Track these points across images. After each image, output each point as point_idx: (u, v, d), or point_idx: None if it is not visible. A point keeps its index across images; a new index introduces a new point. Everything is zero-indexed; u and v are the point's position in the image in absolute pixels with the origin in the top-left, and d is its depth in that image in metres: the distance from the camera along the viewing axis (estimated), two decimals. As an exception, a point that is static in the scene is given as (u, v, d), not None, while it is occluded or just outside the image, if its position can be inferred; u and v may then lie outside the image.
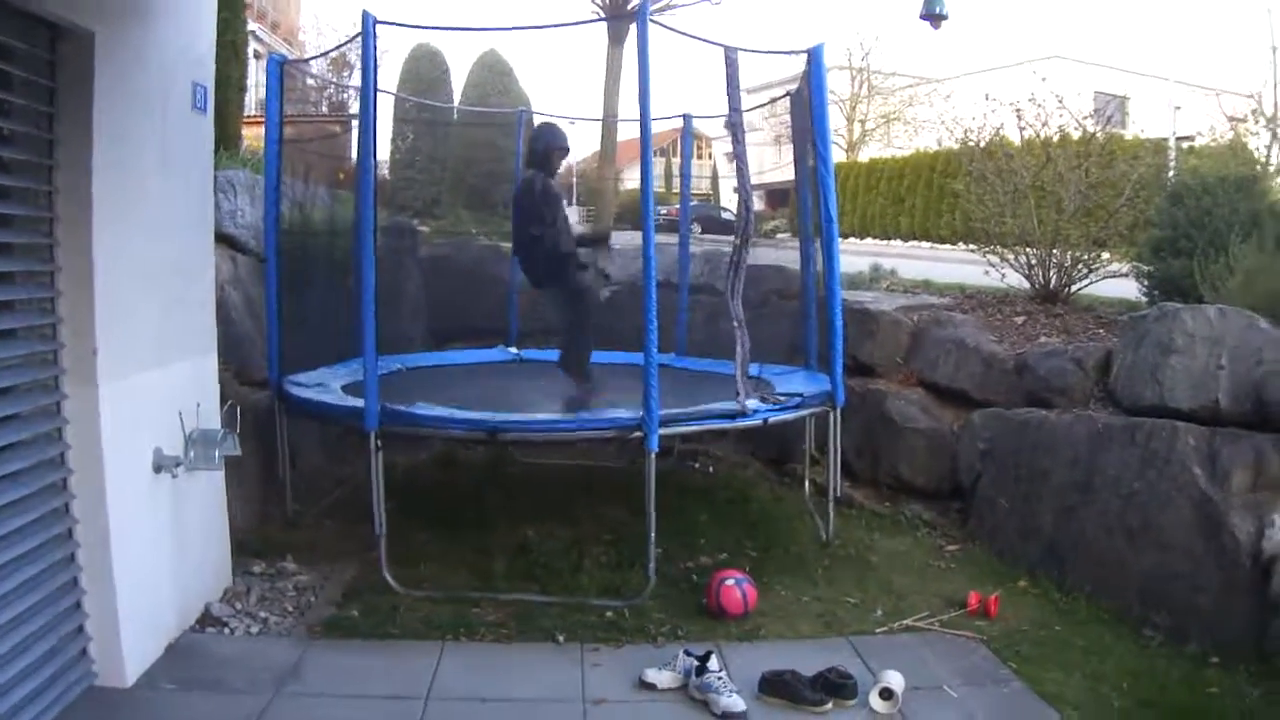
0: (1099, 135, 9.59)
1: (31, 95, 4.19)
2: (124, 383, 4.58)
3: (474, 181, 18.31)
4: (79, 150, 4.34)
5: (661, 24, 6.88)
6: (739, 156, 6.73)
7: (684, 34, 6.63)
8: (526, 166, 8.04)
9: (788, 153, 8.42)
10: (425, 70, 19.62)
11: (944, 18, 7.78)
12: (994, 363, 7.65)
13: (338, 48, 8.91)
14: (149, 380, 4.87)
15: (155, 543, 4.97)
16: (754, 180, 7.12)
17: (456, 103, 19.95)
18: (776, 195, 39.76)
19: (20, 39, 4.04)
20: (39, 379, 4.31)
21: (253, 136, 11.12)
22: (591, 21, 16.58)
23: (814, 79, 6.91)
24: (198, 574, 5.51)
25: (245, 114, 12.32)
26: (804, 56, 6.96)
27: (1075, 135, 9.69)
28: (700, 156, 51.90)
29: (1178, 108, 20.44)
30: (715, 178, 50.03)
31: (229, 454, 5.39)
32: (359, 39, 6.11)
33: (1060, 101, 9.67)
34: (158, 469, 4.93)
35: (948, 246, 20.75)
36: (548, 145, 7.77)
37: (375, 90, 6.19)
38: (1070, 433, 6.58)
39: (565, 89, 67.29)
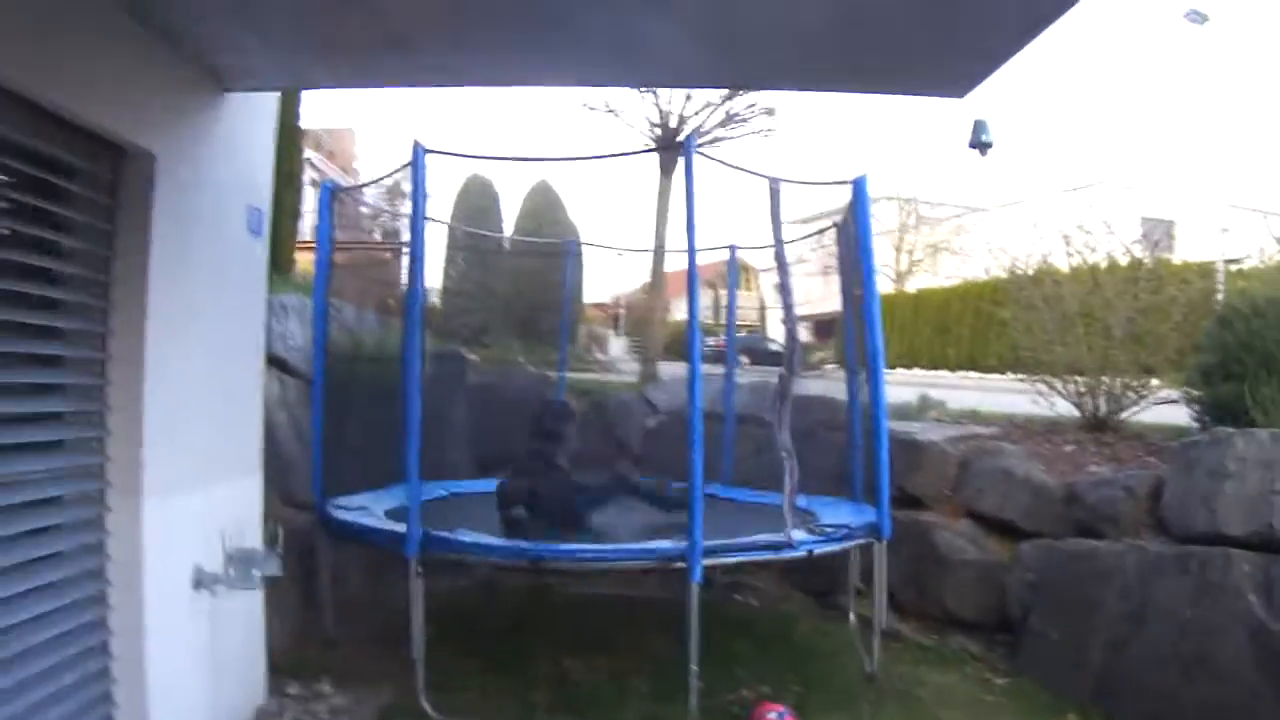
0: (1146, 261, 9.56)
1: (91, 212, 4.28)
2: (168, 499, 4.58)
3: (523, 310, 18.47)
4: (135, 268, 4.41)
5: (708, 156, 6.99)
6: (784, 288, 6.77)
7: (730, 165, 6.71)
8: (533, 438, 8.02)
9: (835, 283, 8.45)
10: (476, 199, 19.94)
11: (989, 145, 7.85)
12: (1043, 493, 7.55)
13: (388, 175, 9.00)
14: (193, 498, 4.87)
15: (191, 660, 4.93)
16: (801, 311, 7.14)
17: (508, 232, 20.22)
18: (824, 326, 39.71)
19: (83, 158, 4.15)
20: (84, 491, 4.32)
21: (306, 261, 11.28)
22: (641, 153, 16.82)
23: (858, 210, 6.99)
24: (232, 692, 5.44)
25: (299, 239, 12.56)
26: (849, 187, 7.04)
27: (1123, 261, 9.67)
28: (748, 288, 52.15)
29: (1225, 230, 20.39)
30: (763, 309, 50.14)
31: (269, 574, 5.37)
32: (409, 168, 6.23)
33: (1107, 227, 9.68)
34: (197, 586, 4.90)
35: (995, 376, 20.63)
36: (553, 424, 7.82)
37: (424, 218, 6.29)
38: (1121, 563, 6.46)
39: (614, 219, 68.15)
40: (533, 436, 7.79)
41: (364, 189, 11.38)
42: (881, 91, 5.42)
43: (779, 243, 6.68)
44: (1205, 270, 10.58)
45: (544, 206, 21.02)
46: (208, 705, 5.11)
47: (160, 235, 4.48)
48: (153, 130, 4.44)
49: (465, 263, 20.48)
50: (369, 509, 7.17)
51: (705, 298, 44.24)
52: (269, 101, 5.93)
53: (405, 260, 8.86)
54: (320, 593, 7.11)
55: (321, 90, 11.06)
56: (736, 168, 6.67)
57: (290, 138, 12.62)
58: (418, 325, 6.22)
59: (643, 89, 15.05)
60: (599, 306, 42.66)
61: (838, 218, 8.19)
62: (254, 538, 5.53)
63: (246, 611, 5.62)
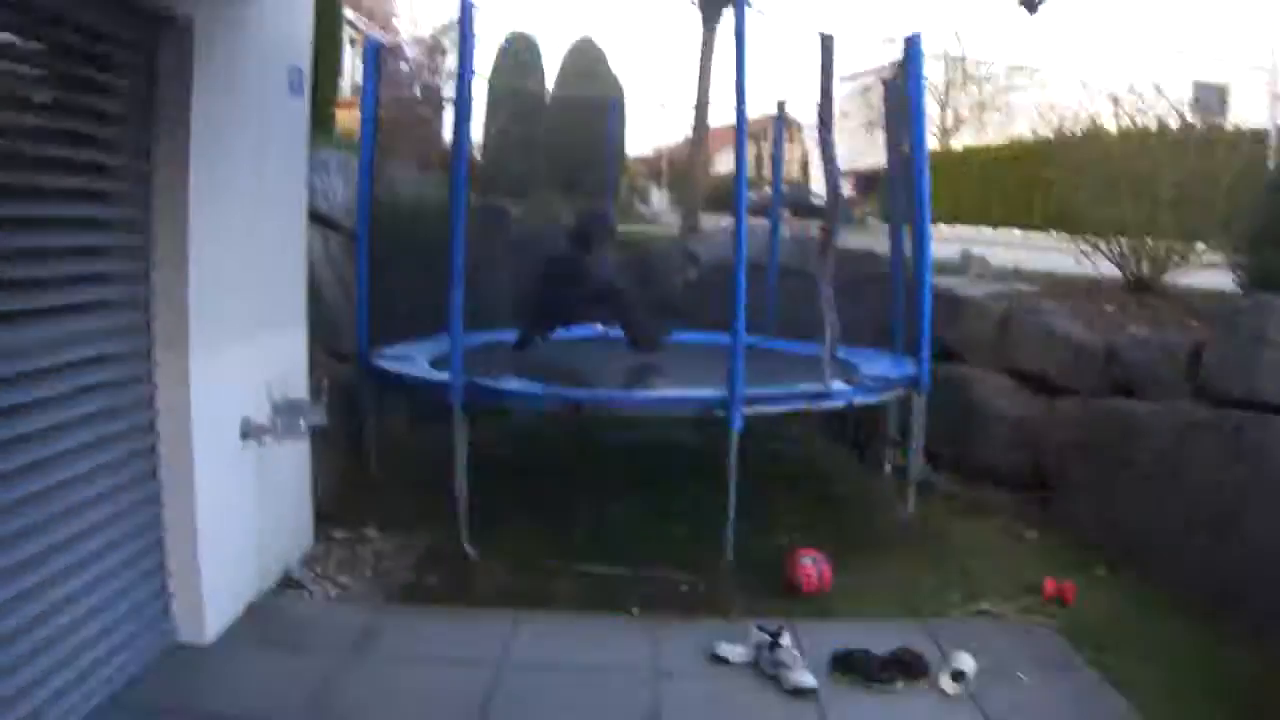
0: (1197, 125, 9.39)
1: (133, 79, 4.33)
2: (214, 353, 4.71)
3: (566, 165, 18.36)
4: (177, 131, 4.47)
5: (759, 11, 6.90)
6: (826, 142, 6.72)
7: (781, 21, 6.61)
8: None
9: (879, 138, 8.37)
10: (520, 56, 19.67)
11: (1040, 1, 7.59)
12: (1082, 350, 7.54)
13: (439, 30, 9.04)
14: (240, 352, 5.00)
15: (239, 507, 5.12)
16: (844, 166, 7.10)
17: (550, 88, 20.02)
18: (866, 180, 39.31)
19: (122, 26, 4.17)
20: (132, 347, 4.44)
21: (347, 119, 11.26)
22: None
23: (911, 68, 6.91)
24: (279, 537, 5.66)
25: (340, 98, 12.51)
26: (900, 45, 6.95)
27: (1173, 125, 9.50)
28: (791, 141, 51.45)
29: (1278, 97, 19.93)
30: (806, 162, 49.61)
31: (315, 424, 5.52)
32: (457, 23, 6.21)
33: (1158, 90, 9.49)
34: (245, 436, 5.07)
35: (1039, 234, 20.43)
36: (587, 227, 7.77)
37: (471, 75, 6.26)
38: (1158, 423, 6.50)
39: (658, 73, 66.84)
40: (567, 242, 7.82)
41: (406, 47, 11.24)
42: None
43: (828, 99, 6.61)
44: (1257, 137, 10.33)
45: (587, 63, 20.76)
46: (255, 550, 5.33)
47: (201, 99, 4.52)
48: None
49: (508, 119, 20.31)
50: (413, 358, 7.29)
51: (749, 152, 43.98)
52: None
53: (448, 116, 8.83)
54: (365, 440, 7.29)
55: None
56: (787, 23, 6.58)
57: (330, -2, 12.53)
58: (463, 178, 6.20)
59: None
60: (642, 160, 42.42)
61: (886, 73, 8.08)
62: (300, 388, 5.69)
63: (293, 460, 5.81)
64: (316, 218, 7.83)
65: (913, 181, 6.99)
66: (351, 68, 23.66)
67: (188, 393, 4.55)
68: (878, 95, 9.35)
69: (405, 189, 9.10)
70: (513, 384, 6.26)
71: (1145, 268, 8.86)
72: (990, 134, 36.53)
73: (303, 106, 5.84)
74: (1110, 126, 9.66)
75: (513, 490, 7.20)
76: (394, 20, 35.27)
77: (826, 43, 6.50)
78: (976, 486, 7.83)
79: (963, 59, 40.20)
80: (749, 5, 6.01)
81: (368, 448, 7.30)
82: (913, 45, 6.86)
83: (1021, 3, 7.65)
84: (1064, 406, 7.40)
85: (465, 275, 6.10)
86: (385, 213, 8.05)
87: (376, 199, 7.73)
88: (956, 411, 7.95)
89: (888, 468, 7.90)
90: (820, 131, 6.74)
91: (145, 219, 4.45)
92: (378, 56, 7.58)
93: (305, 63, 5.80)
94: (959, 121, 40.18)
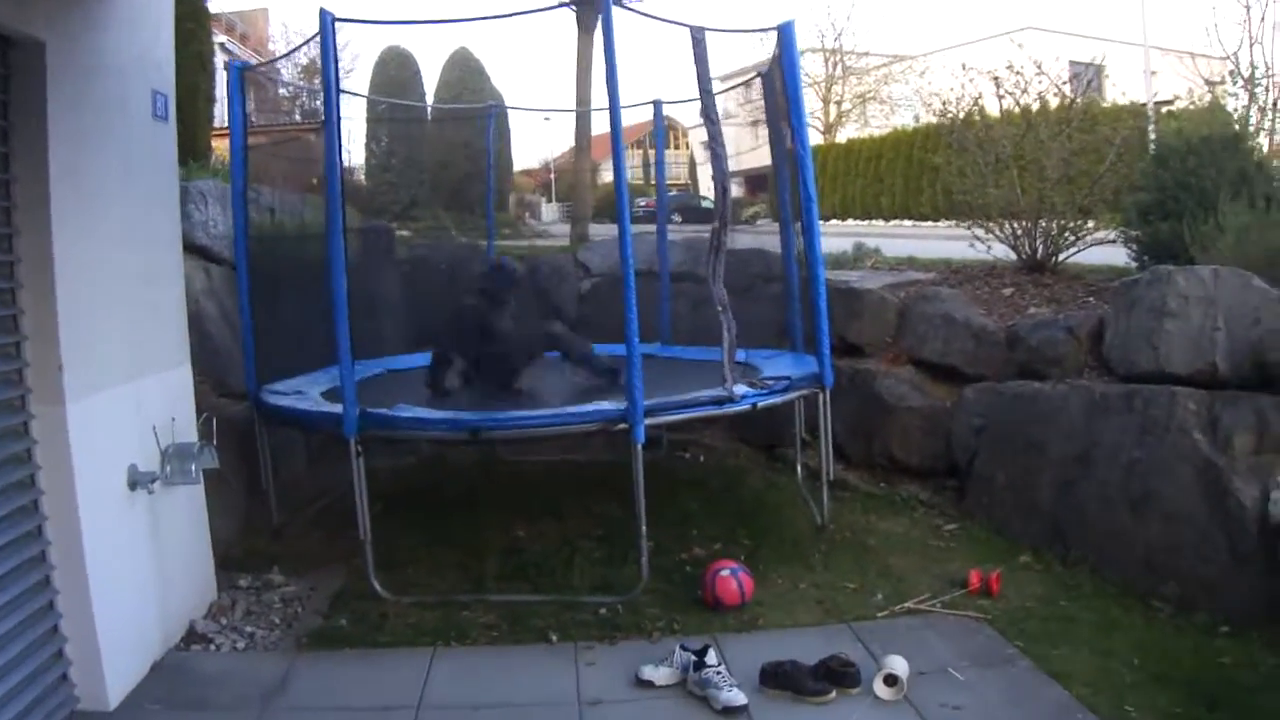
0: (1079, 101, 9.48)
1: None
2: (93, 399, 4.45)
3: (451, 182, 18.14)
4: (35, 161, 4.21)
5: (628, 7, 6.76)
6: (713, 138, 6.58)
7: (649, 16, 6.49)
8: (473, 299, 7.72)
9: (765, 136, 8.28)
10: (396, 72, 19.49)
11: None
12: (984, 336, 7.55)
13: (297, 48, 8.68)
14: (120, 395, 4.75)
15: (134, 561, 4.84)
16: (732, 166, 6.98)
17: (429, 104, 19.82)
18: (755, 180, 39.54)
19: None
20: (4, 398, 4.17)
21: (223, 149, 10.96)
22: (556, 7, 16.40)
23: (785, 57, 6.79)
24: (181, 590, 5.37)
25: (215, 125, 12.18)
26: (774, 35, 6.84)
27: (1054, 103, 9.57)
28: (677, 146, 51.84)
29: (1153, 73, 20.27)
30: (693, 166, 49.92)
31: (206, 467, 5.27)
32: (318, 39, 5.96)
33: (1039, 68, 9.54)
34: (133, 486, 4.79)
35: (929, 224, 20.69)
36: (497, 286, 7.52)
37: (337, 89, 6.00)
38: (1066, 403, 6.48)
39: (538, 84, 67.10)
40: (473, 297, 7.58)
41: (274, 64, 10.97)
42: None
43: (706, 94, 6.46)
44: (1137, 111, 10.43)
45: (465, 75, 20.62)
46: (156, 604, 5.05)
47: (58, 125, 4.27)
48: (39, 18, 4.18)
49: (388, 138, 20.08)
50: (305, 393, 7.01)
51: (634, 158, 44.04)
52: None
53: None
54: (263, 481, 6.99)
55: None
56: (658, 18, 6.44)
57: (198, 19, 12.20)
58: (338, 201, 5.92)
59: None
60: (528, 173, 42.32)
61: (764, 68, 8.00)
62: (188, 431, 5.40)
63: (189, 507, 5.54)
64: (196, 250, 7.73)
65: (799, 175, 6.86)
66: (224, 94, 23.11)
67: (67, 443, 4.27)
68: (758, 93, 9.28)
69: (287, 215, 8.80)
70: (408, 412, 6.01)
71: (1039, 248, 8.90)
72: (874, 126, 36.98)
73: (169, 132, 5.58)
74: (993, 108, 9.69)
75: (421, 522, 7.03)
76: (269, 45, 34.75)
77: (697, 35, 6.35)
78: (890, 482, 7.79)
79: (841, 51, 40.71)
80: (619, 4, 5.86)
81: (266, 489, 6.99)
82: (785, 33, 6.74)
83: None
84: (970, 394, 7.36)
85: (353, 300, 5.85)
86: (267, 241, 7.83)
87: (256, 227, 7.44)
88: (863, 407, 7.90)
89: (799, 469, 7.79)
90: (707, 126, 6.59)
91: (9, 261, 4.19)
92: (243, 78, 7.24)
93: (169, 87, 5.54)
94: (841, 115, 40.62)
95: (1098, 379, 6.55)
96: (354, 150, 24.79)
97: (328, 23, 5.80)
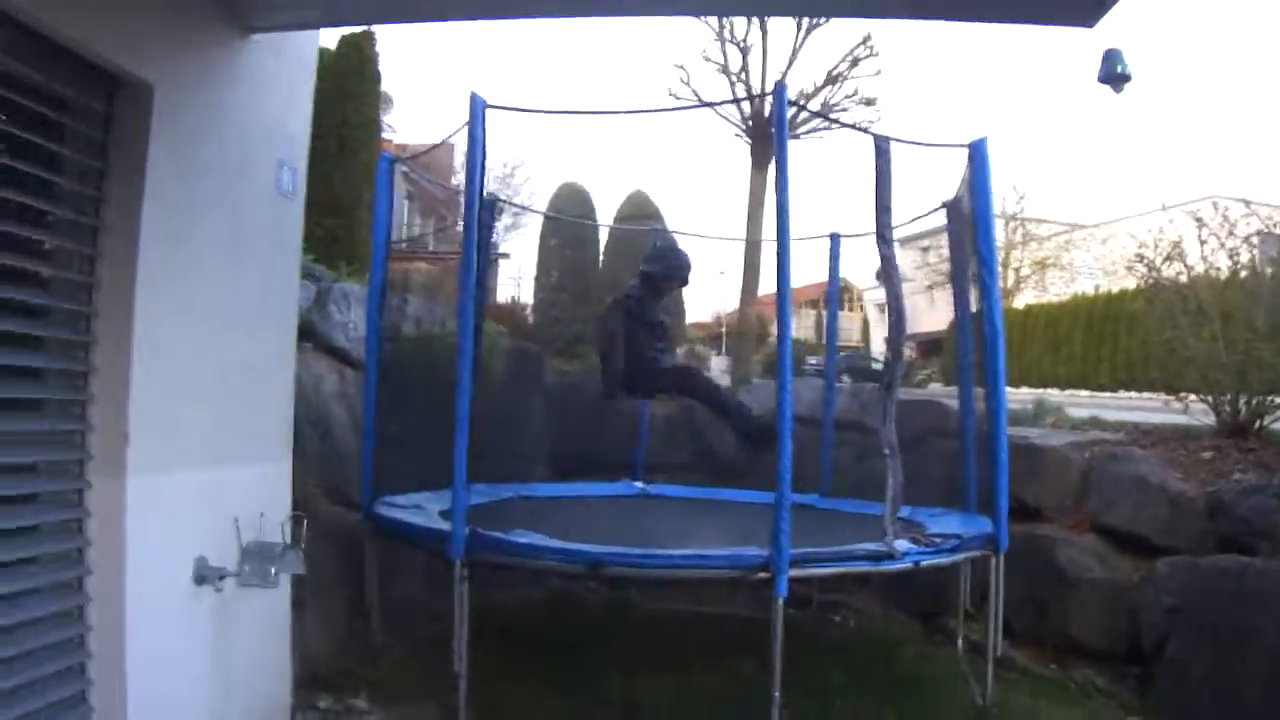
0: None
1: (82, 149, 3.75)
2: (162, 478, 3.98)
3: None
4: (127, 213, 3.84)
5: (802, 107, 6.27)
6: (886, 260, 6.01)
7: (823, 115, 6.00)
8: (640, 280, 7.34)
9: (940, 300, 7.72)
10: (572, 208, 19.45)
11: (1127, 79, 6.99)
12: (1181, 503, 6.71)
13: (453, 134, 8.59)
14: (196, 480, 4.27)
15: (189, 664, 4.30)
16: (906, 331, 6.40)
17: (603, 246, 19.80)
18: (928, 345, 38.81)
19: (74, 88, 3.63)
20: (60, 460, 3.74)
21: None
22: (727, 102, 16.17)
23: (976, 176, 6.24)
24: (246, 704, 4.79)
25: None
26: (965, 153, 6.32)
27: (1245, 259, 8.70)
28: (850, 309, 51.52)
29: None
30: (865, 328, 49.47)
31: (290, 572, 4.75)
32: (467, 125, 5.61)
33: (1248, 206, 8.72)
34: (199, 580, 4.27)
35: (1108, 394, 19.77)
36: (665, 271, 7.12)
37: (482, 179, 5.66)
38: (1282, 584, 5.55)
39: (712, 226, 68.37)
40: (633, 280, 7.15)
41: (422, 158, 10.83)
42: (1000, 19, 4.67)
43: (884, 210, 5.92)
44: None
45: (640, 217, 20.51)
46: (209, 714, 4.45)
47: (158, 179, 3.90)
48: (153, 61, 3.87)
49: (558, 273, 20.03)
50: (424, 508, 6.60)
51: (808, 318, 43.71)
52: (306, 50, 5.37)
53: (498, 267, 8.46)
54: (367, 597, 6.52)
55: (355, 25, 10.67)
56: (834, 121, 5.99)
57: (369, 129, 12.27)
58: (470, 303, 5.52)
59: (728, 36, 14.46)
60: (700, 326, 42.35)
61: (948, 197, 7.40)
62: (276, 531, 4.88)
63: (268, 613, 5.00)
64: (332, 351, 7.61)
65: (983, 310, 6.22)
66: (405, 220, 23.43)
67: (123, 520, 3.79)
68: (937, 256, 8.71)
69: (435, 326, 8.53)
70: (524, 538, 5.46)
71: (1243, 409, 7.96)
72: (1052, 293, 36.16)
73: (294, 210, 5.23)
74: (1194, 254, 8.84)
75: (534, 662, 6.47)
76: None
77: (881, 145, 5.87)
78: (1063, 664, 6.85)
79: (1022, 217, 40.02)
80: (794, 137, 5.37)
81: (370, 605, 6.49)
82: (978, 151, 6.20)
83: (1104, 80, 7.04)
84: (1164, 568, 6.48)
85: (492, 420, 5.42)
86: (407, 348, 7.70)
87: (398, 334, 7.22)
88: (1037, 576, 7.04)
89: (960, 642, 6.99)
90: (880, 246, 6.02)
91: (86, 313, 3.80)
92: (392, 171, 7.02)
93: (299, 162, 5.23)
94: (1020, 280, 39.68)
95: (1319, 556, 5.66)
96: (523, 284, 25.07)
97: (478, 108, 5.48)
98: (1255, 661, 5.54)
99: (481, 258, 7.65)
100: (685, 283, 7.55)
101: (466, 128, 5.62)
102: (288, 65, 5.11)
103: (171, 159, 3.99)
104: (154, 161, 3.87)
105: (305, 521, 4.96)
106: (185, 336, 4.17)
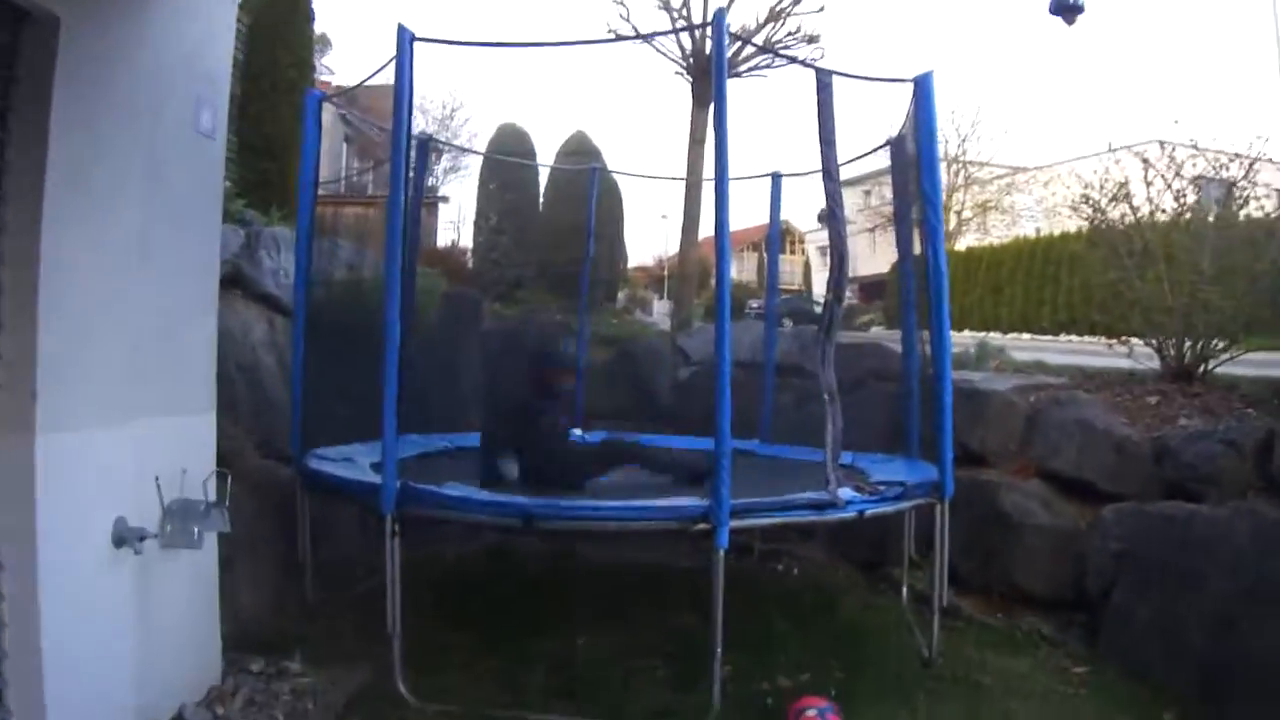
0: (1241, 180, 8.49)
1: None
2: (74, 436, 3.77)
3: (559, 266, 17.71)
4: (33, 153, 3.62)
5: (738, 37, 6.06)
6: (830, 196, 5.84)
7: (763, 49, 5.80)
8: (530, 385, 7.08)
9: (882, 242, 7.58)
10: (512, 149, 19.18)
11: (1080, 10, 6.84)
12: (1127, 448, 6.63)
13: (379, 70, 8.21)
14: (111, 437, 4.05)
15: (108, 629, 4.09)
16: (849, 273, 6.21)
17: (543, 188, 19.58)
18: (871, 288, 38.85)
19: None
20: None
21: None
22: (665, 33, 15.93)
23: (921, 113, 6.01)
24: (171, 670, 4.59)
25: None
26: (909, 89, 6.11)
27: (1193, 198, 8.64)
28: (792, 251, 51.44)
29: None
30: (807, 271, 49.47)
31: (213, 530, 4.55)
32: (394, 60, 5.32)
33: (1195, 148, 8.63)
34: (118, 543, 4.06)
35: (1049, 338, 19.85)
36: (548, 367, 6.91)
37: (410, 116, 5.39)
38: (1229, 530, 5.51)
39: (654, 167, 68.18)
40: (530, 384, 6.90)
41: (353, 92, 10.50)
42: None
43: (828, 145, 5.74)
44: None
45: (581, 158, 20.26)
46: (136, 688, 4.26)
47: (65, 118, 3.67)
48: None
49: (498, 215, 19.79)
50: (355, 461, 6.36)
51: (749, 261, 43.54)
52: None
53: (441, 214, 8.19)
54: (300, 553, 6.32)
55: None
56: (772, 51, 5.77)
57: (301, 69, 11.93)
58: (398, 246, 5.25)
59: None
60: (642, 269, 42.18)
61: (893, 134, 7.23)
62: (199, 488, 4.65)
63: (195, 574, 4.81)
64: (262, 297, 7.45)
65: (927, 249, 6.08)
66: (345, 163, 23.05)
67: (32, 482, 3.58)
68: (879, 198, 8.56)
69: (368, 272, 8.29)
70: (456, 490, 5.28)
71: (1187, 354, 7.91)
72: (994, 236, 36.28)
73: (215, 151, 4.99)
74: (1139, 192, 8.73)
75: (471, 620, 6.28)
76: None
77: (823, 79, 5.69)
78: (1010, 612, 6.74)
79: (964, 159, 40.05)
80: (735, 75, 5.19)
81: (303, 563, 6.30)
82: (923, 86, 5.99)
83: (1055, 10, 6.89)
84: (1111, 514, 6.38)
85: (427, 368, 5.20)
86: (339, 294, 7.44)
87: (329, 279, 7.10)
88: (982, 524, 6.90)
89: (905, 591, 6.86)
90: (825, 182, 5.83)
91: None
92: (319, 109, 6.69)
93: (219, 100, 4.98)
94: (962, 224, 39.77)
95: (1266, 502, 5.62)
96: (463, 229, 24.77)
97: (405, 40, 5.19)
98: (1202, 607, 5.47)
99: (414, 199, 7.41)
100: (574, 368, 7.42)
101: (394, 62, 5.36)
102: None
103: (80, 96, 3.76)
104: (60, 99, 3.65)
105: (230, 477, 4.74)
106: (97, 285, 3.96)
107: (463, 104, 50.44)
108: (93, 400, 3.93)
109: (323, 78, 21.44)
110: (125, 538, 4.07)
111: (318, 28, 12.59)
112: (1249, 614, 5.17)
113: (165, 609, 4.48)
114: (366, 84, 7.19)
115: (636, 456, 6.77)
